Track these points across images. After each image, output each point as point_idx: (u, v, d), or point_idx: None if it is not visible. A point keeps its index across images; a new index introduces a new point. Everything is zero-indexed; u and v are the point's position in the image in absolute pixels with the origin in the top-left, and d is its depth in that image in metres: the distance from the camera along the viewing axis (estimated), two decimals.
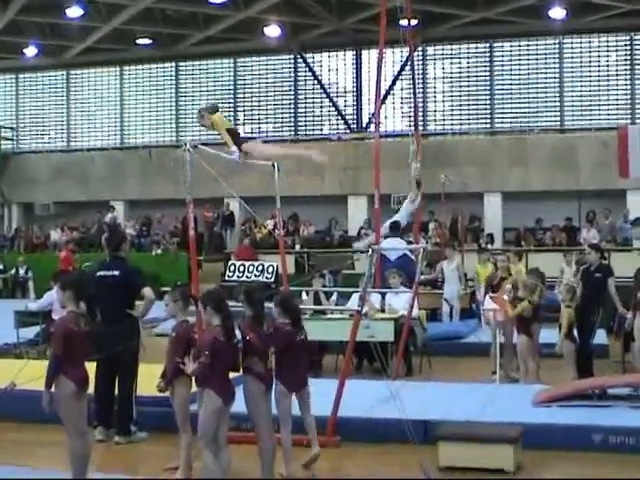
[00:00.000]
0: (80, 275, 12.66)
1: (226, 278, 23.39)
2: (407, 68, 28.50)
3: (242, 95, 34.47)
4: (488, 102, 31.87)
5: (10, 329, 16.80)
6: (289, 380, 9.08)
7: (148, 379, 9.95)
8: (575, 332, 13.67)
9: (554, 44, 31.21)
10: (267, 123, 33.97)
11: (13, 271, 30.02)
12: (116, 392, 10.69)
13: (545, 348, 13.89)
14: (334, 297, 16.92)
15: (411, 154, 17.58)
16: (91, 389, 9.04)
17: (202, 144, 11.71)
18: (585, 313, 13.71)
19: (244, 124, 34.14)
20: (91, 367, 9.20)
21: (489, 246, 26.34)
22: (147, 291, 10.71)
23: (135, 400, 10.70)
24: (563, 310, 13.67)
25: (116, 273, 10.73)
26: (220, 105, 33.47)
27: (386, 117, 31.57)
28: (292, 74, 34.06)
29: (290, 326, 9.13)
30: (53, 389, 8.15)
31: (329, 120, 33.67)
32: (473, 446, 9.29)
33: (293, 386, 9.14)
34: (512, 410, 10.76)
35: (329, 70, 33.67)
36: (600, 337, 15.36)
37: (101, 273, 10.87)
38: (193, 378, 8.79)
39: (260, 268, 23.21)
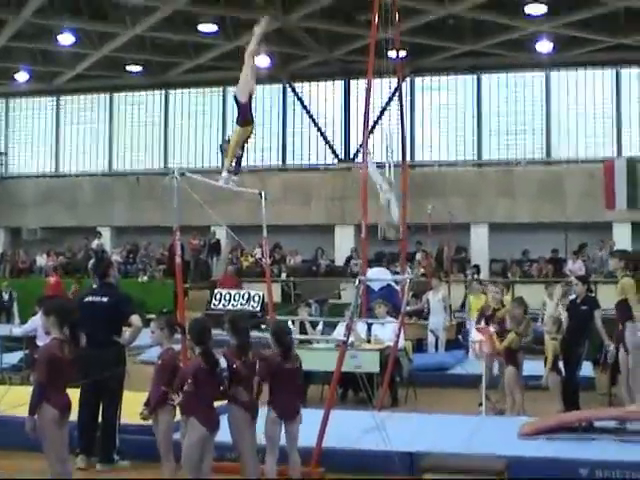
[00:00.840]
0: (64, 301, 12.62)
1: (212, 306, 23.38)
2: (395, 98, 28.67)
3: (231, 123, 34.49)
4: (475, 133, 31.99)
5: None
6: (280, 407, 9.07)
7: (132, 406, 9.89)
8: (561, 364, 13.68)
9: (541, 77, 31.41)
10: (255, 151, 33.99)
11: None
12: (100, 419, 10.63)
13: (531, 380, 13.87)
14: (320, 327, 16.90)
15: (381, 184, 17.39)
16: (74, 416, 9.00)
17: (190, 172, 11.69)
18: (571, 345, 13.72)
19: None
20: (74, 393, 9.15)
21: (475, 277, 26.37)
22: (135, 319, 10.65)
23: (119, 428, 10.64)
24: (548, 342, 13.68)
25: (105, 299, 10.69)
26: (209, 133, 33.77)
27: (374, 147, 31.59)
28: (281, 103, 34.16)
29: (280, 356, 9.14)
30: (36, 416, 8.12)
31: (317, 149, 33.70)
32: (459, 478, 9.25)
33: (284, 413, 9.12)
34: (498, 442, 10.72)
35: (318, 100, 33.76)
36: (586, 369, 15.37)
37: (89, 299, 10.83)
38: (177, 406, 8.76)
39: (246, 297, 23.24)
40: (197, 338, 8.59)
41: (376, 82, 16.23)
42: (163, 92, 35.36)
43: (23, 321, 21.85)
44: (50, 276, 28.96)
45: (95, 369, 10.17)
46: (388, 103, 30.46)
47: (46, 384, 8.15)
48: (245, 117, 12.16)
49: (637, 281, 12.05)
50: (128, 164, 35.78)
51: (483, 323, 14.91)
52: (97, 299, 10.73)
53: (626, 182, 28.59)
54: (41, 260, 32.78)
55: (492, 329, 14.16)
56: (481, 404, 13.88)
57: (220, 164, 33.59)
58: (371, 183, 16.38)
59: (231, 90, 33.96)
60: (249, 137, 12.17)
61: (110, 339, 10.49)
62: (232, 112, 33.76)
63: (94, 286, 11.23)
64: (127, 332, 10.72)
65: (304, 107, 33.51)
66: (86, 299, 10.87)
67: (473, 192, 30.34)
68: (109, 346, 10.45)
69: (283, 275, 29.20)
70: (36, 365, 8.58)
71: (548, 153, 31.22)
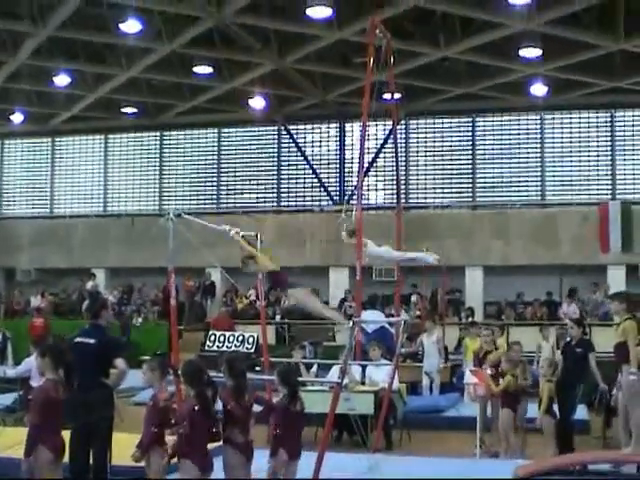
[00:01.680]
0: (59, 343, 12.56)
1: (206, 348, 23.31)
2: (390, 141, 28.75)
3: (226, 165, 34.58)
4: (470, 176, 32.07)
5: None
6: (289, 447, 9.06)
7: (124, 448, 9.80)
8: (555, 407, 13.62)
9: (536, 119, 31.54)
10: (250, 193, 34.07)
11: None
12: (90, 462, 10.52)
13: (526, 423, 13.83)
14: (314, 369, 16.84)
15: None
16: (65, 459, 8.93)
17: (185, 213, 11.69)
18: (566, 387, 13.68)
19: (227, 194, 34.29)
20: (65, 435, 9.08)
21: (470, 319, 26.32)
22: (120, 363, 10.44)
23: (110, 470, 10.54)
24: (543, 385, 13.64)
25: (92, 341, 10.56)
26: (204, 175, 33.84)
27: (368, 189, 31.73)
28: (276, 145, 34.25)
29: (287, 397, 9.16)
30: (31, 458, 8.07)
31: (312, 191, 33.76)
32: None
33: (293, 454, 9.12)
34: None
35: (313, 142, 33.88)
36: (581, 412, 15.30)
37: (78, 339, 10.72)
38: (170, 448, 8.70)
39: (240, 338, 23.19)
40: (191, 380, 8.55)
41: (371, 124, 16.23)
42: (158, 134, 35.49)
43: (17, 362, 21.75)
44: (35, 317, 28.86)
45: (83, 411, 10.05)
46: (383, 145, 30.66)
47: (41, 426, 8.10)
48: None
49: (638, 323, 12.01)
50: (123, 205, 35.82)
51: (478, 365, 14.91)
52: (85, 340, 10.63)
53: (620, 225, 28.62)
54: (35, 301, 32.67)
55: (488, 371, 14.13)
56: (477, 446, 13.82)
57: (215, 205, 33.80)
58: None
59: (225, 132, 34.25)
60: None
61: (97, 381, 10.35)
62: (226, 152, 34.03)
63: (85, 327, 11.13)
64: (113, 375, 10.59)
65: (299, 149, 33.61)
66: (76, 339, 10.78)
67: (468, 234, 30.39)
68: (97, 388, 10.33)
69: (277, 317, 29.12)
70: (31, 407, 8.54)
71: (543, 196, 31.29)
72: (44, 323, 28.07)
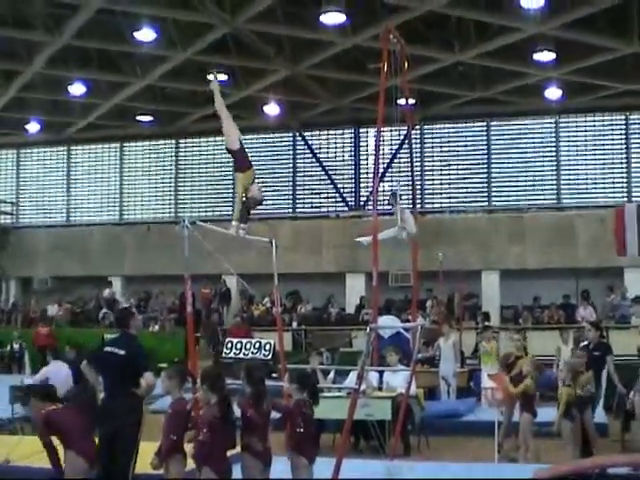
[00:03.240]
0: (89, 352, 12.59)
1: (223, 355, 23.33)
2: (405, 146, 28.70)
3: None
4: (486, 180, 32.03)
5: (5, 404, 16.67)
6: (308, 452, 9.09)
7: (143, 456, 9.83)
8: (574, 411, 13.56)
9: (551, 123, 31.48)
10: (266, 200, 34.01)
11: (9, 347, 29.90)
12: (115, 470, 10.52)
13: (544, 427, 13.78)
14: (331, 375, 16.84)
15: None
16: None
17: (201, 221, 11.70)
18: None
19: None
20: None
21: (486, 323, 26.26)
22: (148, 376, 10.43)
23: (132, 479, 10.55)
24: (562, 389, 13.59)
25: (122, 352, 10.51)
26: (219, 182, 33.86)
27: (384, 194, 31.65)
28: (291, 151, 34.29)
29: (307, 402, 9.20)
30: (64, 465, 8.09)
31: (327, 198, 33.78)
32: None
33: (312, 458, 9.15)
34: None
35: (328, 148, 33.90)
36: (599, 416, 15.26)
37: (108, 349, 10.68)
38: (189, 455, 8.72)
39: (257, 345, 23.19)
40: (212, 387, 8.56)
41: (386, 130, 16.23)
42: (173, 141, 35.58)
43: (34, 371, 21.82)
44: (40, 326, 28.99)
45: (110, 420, 10.04)
46: (398, 151, 30.64)
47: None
48: (243, 163, 12.16)
49: None
50: (139, 213, 35.92)
51: (506, 371, 14.81)
52: (115, 350, 10.59)
53: (637, 227, 28.47)
54: (52, 310, 32.79)
55: (505, 376, 14.09)
56: (498, 451, 13.77)
57: (230, 212, 33.78)
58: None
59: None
60: (253, 180, 12.07)
61: (126, 390, 10.33)
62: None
63: (115, 336, 11.10)
64: (141, 388, 10.55)
65: (314, 155, 33.63)
66: (105, 348, 10.77)
67: (484, 239, 30.35)
68: (126, 397, 10.30)
69: (294, 324, 29.13)
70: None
71: (559, 199, 31.22)
72: (49, 331, 28.23)
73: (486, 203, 31.97)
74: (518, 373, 13.99)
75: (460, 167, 32.40)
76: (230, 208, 34.21)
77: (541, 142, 31.57)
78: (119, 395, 10.23)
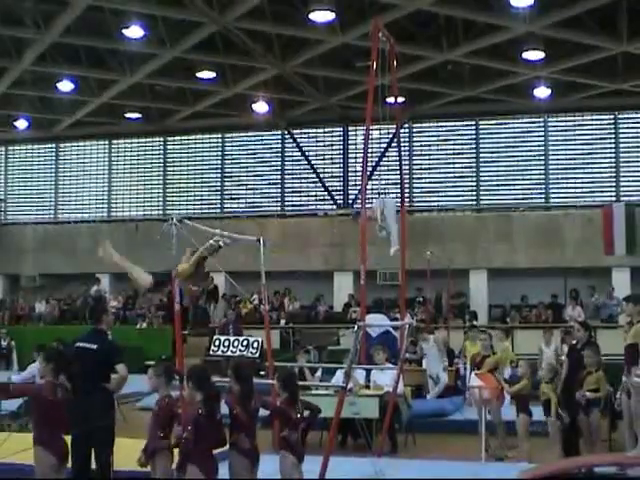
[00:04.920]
0: (64, 350, 12.54)
1: (211, 352, 23.26)
2: (394, 144, 28.71)
3: (229, 170, 34.57)
4: (474, 179, 32.05)
5: None
6: (297, 450, 9.08)
7: (130, 453, 9.79)
8: (560, 410, 13.56)
9: (539, 122, 31.53)
10: (254, 198, 34.04)
11: None
12: (93, 466, 10.49)
13: (532, 426, 13.79)
14: (319, 373, 16.84)
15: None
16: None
17: (188, 218, 11.68)
18: (571, 390, 13.62)
19: (231, 199, 34.28)
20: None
21: (474, 322, 26.29)
22: (121, 368, 10.41)
23: (112, 475, 10.51)
24: (542, 387, 13.57)
25: (94, 346, 10.53)
26: (208, 180, 33.81)
27: (372, 193, 31.65)
28: (279, 149, 34.26)
29: (288, 402, 9.17)
30: (33, 463, 8.06)
31: (316, 196, 33.76)
32: None
33: (300, 456, 9.13)
34: None
35: (316, 146, 33.88)
36: None
37: (80, 344, 10.69)
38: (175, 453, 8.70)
39: (245, 343, 23.07)
40: (198, 384, 8.53)
41: (375, 128, 16.21)
42: (162, 139, 35.51)
43: (22, 368, 21.78)
44: None
45: (84, 416, 10.01)
46: (387, 149, 30.62)
47: (40, 428, 8.10)
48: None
49: None
50: (127, 211, 35.83)
51: (475, 369, 14.93)
52: (87, 345, 10.60)
53: (625, 228, 28.58)
54: (40, 307, 32.73)
55: (506, 376, 14.15)
56: (486, 450, 13.78)
57: (219, 210, 33.77)
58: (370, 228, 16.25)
59: (229, 137, 34.26)
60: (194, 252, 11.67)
61: (98, 386, 10.33)
62: (230, 157, 34.04)
63: (87, 331, 11.11)
64: (113, 380, 10.55)
65: (302, 153, 33.59)
66: (77, 344, 10.76)
67: (472, 237, 30.38)
68: (97, 393, 10.29)
69: (282, 321, 29.12)
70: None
71: (547, 198, 31.27)
72: None
73: (474, 202, 31.99)
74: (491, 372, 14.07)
75: (448, 166, 32.40)
76: (218, 205, 34.26)
77: (529, 141, 31.59)
78: (91, 391, 10.19)
